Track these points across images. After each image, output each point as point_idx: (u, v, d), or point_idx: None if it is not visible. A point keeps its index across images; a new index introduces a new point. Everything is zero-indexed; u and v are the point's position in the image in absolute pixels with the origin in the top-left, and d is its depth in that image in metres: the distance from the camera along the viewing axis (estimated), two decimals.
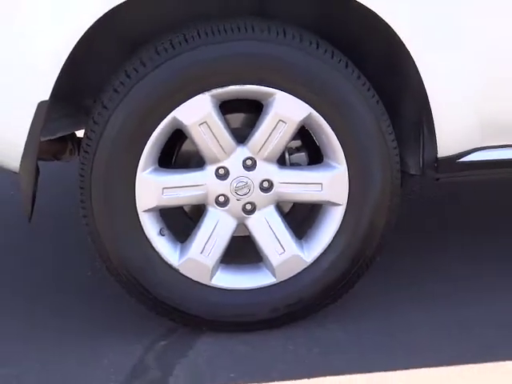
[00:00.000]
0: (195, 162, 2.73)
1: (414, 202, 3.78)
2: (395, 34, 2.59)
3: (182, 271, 2.70)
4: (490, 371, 2.59)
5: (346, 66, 2.64)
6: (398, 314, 2.92)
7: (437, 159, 2.74)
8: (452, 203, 3.86)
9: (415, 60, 2.62)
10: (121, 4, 2.45)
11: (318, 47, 2.61)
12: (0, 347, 2.81)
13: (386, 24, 2.56)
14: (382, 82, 2.77)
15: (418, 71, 2.63)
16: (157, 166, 2.64)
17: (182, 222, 2.83)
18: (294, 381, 2.54)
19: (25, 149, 2.57)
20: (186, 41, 2.55)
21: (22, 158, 2.58)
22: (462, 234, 3.59)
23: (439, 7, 2.64)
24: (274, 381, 2.54)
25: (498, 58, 2.73)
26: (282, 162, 2.74)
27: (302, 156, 2.82)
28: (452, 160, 2.77)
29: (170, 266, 2.70)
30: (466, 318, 2.92)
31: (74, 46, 2.48)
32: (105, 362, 2.67)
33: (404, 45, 2.60)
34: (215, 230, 2.70)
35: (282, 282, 2.76)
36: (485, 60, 2.71)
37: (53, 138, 2.84)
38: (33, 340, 2.83)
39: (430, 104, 2.67)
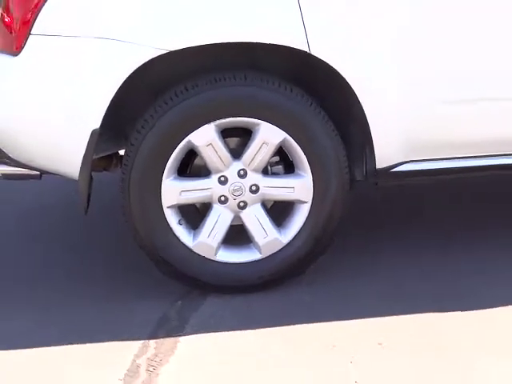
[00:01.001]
0: (203, 172, 2.86)
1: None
2: (349, 84, 2.73)
3: (195, 250, 2.86)
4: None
5: (311, 105, 2.78)
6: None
7: (375, 170, 2.88)
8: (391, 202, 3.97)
9: (362, 103, 2.76)
10: (146, 62, 2.60)
11: (291, 91, 2.75)
12: (75, 303, 2.94)
13: (341, 76, 2.72)
14: (339, 117, 2.90)
15: (364, 112, 2.77)
16: (176, 175, 2.79)
17: (194, 214, 2.96)
18: (279, 327, 2.70)
19: (82, 163, 2.68)
20: (197, 86, 2.70)
21: (80, 170, 2.69)
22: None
23: (375, 63, 2.76)
24: (265, 327, 2.71)
25: (417, 103, 2.87)
26: (265, 171, 2.89)
27: (279, 168, 2.96)
28: (386, 170, 2.90)
29: (186, 247, 2.85)
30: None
31: (115, 91, 2.61)
32: (137, 317, 2.82)
33: (355, 93, 2.75)
34: (218, 221, 2.85)
35: (266, 257, 2.91)
36: (408, 103, 2.85)
37: (102, 155, 2.97)
38: (90, 300, 2.95)
39: (371, 133, 2.81)
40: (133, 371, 2.47)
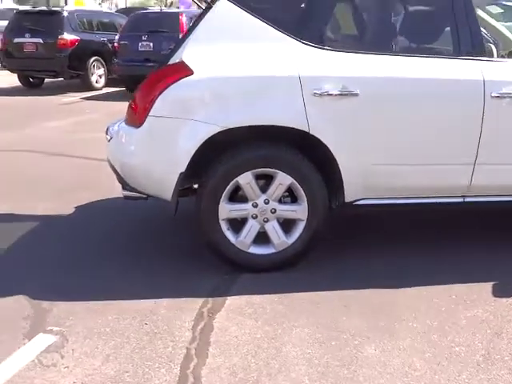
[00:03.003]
0: (244, 199, 2.99)
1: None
2: (330, 151, 2.88)
3: (237, 245, 3.01)
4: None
5: (307, 162, 2.93)
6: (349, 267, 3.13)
7: (344, 202, 3.02)
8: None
9: (338, 162, 2.90)
10: (215, 133, 2.79)
11: (296, 154, 2.92)
12: (141, 280, 3.02)
13: (327, 146, 2.88)
14: (324, 169, 2.98)
15: (338, 166, 2.91)
16: (227, 200, 2.96)
17: (237, 224, 3.06)
18: (285, 293, 2.83)
19: (173, 191, 2.89)
20: (241, 149, 2.92)
21: (172, 195, 2.90)
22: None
23: (345, 140, 2.87)
24: (275, 293, 2.84)
25: (367, 163, 2.95)
26: (279, 201, 3.00)
27: (288, 199, 3.05)
28: (351, 203, 3.03)
29: (232, 243, 3.00)
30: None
31: (195, 150, 2.81)
32: (201, 285, 2.93)
33: (334, 156, 2.89)
34: (251, 229, 3.01)
35: (278, 251, 3.04)
36: (363, 163, 2.93)
37: (185, 186, 3.09)
38: (173, 276, 3.08)
39: (343, 179, 2.93)
40: (199, 315, 2.68)
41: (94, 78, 11.82)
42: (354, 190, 3.03)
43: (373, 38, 3.11)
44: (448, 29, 3.03)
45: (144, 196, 3.14)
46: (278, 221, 3.05)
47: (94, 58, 11.69)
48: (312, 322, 2.61)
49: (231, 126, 2.83)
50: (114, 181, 3.24)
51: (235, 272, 3.08)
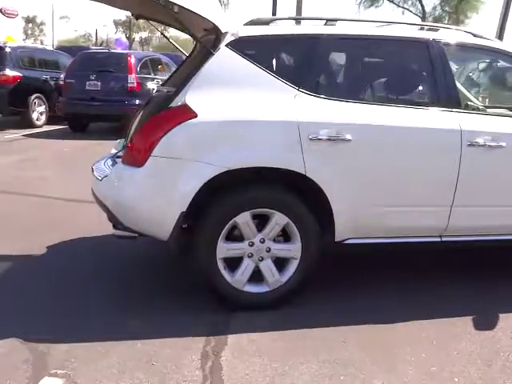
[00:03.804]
0: (240, 238, 3.05)
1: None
2: (324, 193, 3.00)
3: (232, 284, 3.06)
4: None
5: (303, 203, 3.04)
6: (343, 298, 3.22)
7: (334, 241, 3.15)
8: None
9: (331, 203, 3.03)
10: (215, 175, 2.85)
11: (291, 195, 3.03)
12: (143, 311, 3.06)
13: (321, 188, 3.00)
14: (317, 210, 3.07)
15: (330, 207, 3.04)
16: (225, 240, 3.00)
17: (233, 263, 3.08)
18: (292, 330, 2.90)
19: (172, 230, 2.90)
20: (237, 191, 2.99)
21: (171, 234, 2.91)
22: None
23: (337, 185, 3.00)
24: (272, 330, 2.89)
25: (355, 206, 3.08)
26: (274, 240, 3.08)
27: (281, 238, 3.14)
28: (340, 242, 3.16)
29: (228, 282, 3.05)
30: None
31: (197, 190, 2.85)
32: (199, 324, 2.95)
33: (327, 198, 3.02)
34: (246, 268, 3.07)
35: (272, 289, 3.11)
36: (352, 206, 3.06)
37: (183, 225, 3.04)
38: (166, 309, 3.08)
39: (335, 221, 3.06)
40: (205, 354, 2.70)
41: (34, 116, 11.55)
42: (343, 230, 3.16)
43: (363, 89, 3.32)
44: (429, 83, 3.29)
45: (134, 235, 3.14)
46: (271, 259, 3.13)
47: (35, 95, 11.46)
48: (316, 357, 2.69)
49: (233, 168, 2.91)
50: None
51: (230, 310, 3.11)
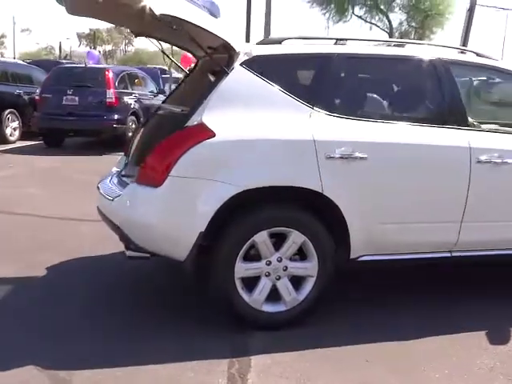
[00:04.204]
0: (257, 257, 3.04)
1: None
2: (341, 211, 3.03)
3: (250, 304, 3.04)
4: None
5: (319, 222, 3.06)
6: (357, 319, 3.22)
7: (349, 258, 3.18)
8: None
9: (347, 220, 3.05)
10: (234, 194, 2.85)
11: (308, 214, 3.05)
12: (160, 339, 2.99)
13: (338, 206, 3.03)
14: (333, 228, 3.11)
15: (346, 224, 3.07)
16: (242, 259, 2.99)
17: (251, 282, 3.07)
18: (312, 349, 2.89)
19: (191, 250, 2.88)
20: (255, 210, 2.99)
21: (188, 254, 2.89)
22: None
23: (352, 203, 3.03)
24: (296, 350, 2.88)
25: (368, 223, 3.12)
26: (291, 258, 3.08)
27: (297, 256, 3.12)
28: (355, 259, 3.19)
29: (246, 302, 3.03)
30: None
31: (216, 210, 2.84)
32: (222, 346, 2.91)
33: (343, 215, 3.05)
34: (264, 287, 3.06)
35: (289, 308, 3.11)
36: (365, 223, 3.09)
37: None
38: (180, 335, 3.04)
39: (350, 237, 3.09)
40: (231, 377, 2.66)
41: (8, 131, 11.26)
42: (357, 247, 3.18)
43: (377, 108, 3.36)
44: (439, 101, 3.38)
45: (147, 255, 3.10)
46: (288, 278, 3.12)
47: (8, 111, 11.20)
48: (343, 377, 2.69)
49: (251, 187, 2.91)
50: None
51: (248, 330, 3.08)
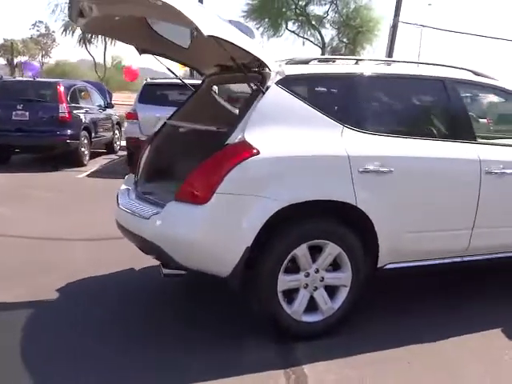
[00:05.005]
0: (296, 270, 3.12)
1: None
2: (371, 222, 3.18)
3: (291, 315, 3.12)
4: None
5: (352, 233, 3.19)
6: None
7: (377, 267, 3.34)
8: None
9: (377, 231, 3.20)
10: (279, 209, 2.94)
11: (342, 227, 3.17)
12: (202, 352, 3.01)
13: (369, 218, 3.17)
14: (364, 239, 3.24)
15: (376, 234, 3.23)
16: (284, 272, 3.06)
17: (291, 294, 3.15)
18: (354, 356, 3.01)
19: (236, 265, 2.93)
20: (296, 224, 3.07)
21: (233, 270, 2.94)
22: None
23: (382, 214, 3.18)
24: (343, 356, 2.99)
25: (394, 232, 3.26)
26: (326, 269, 3.20)
27: (330, 267, 3.22)
28: (381, 267, 3.35)
29: (288, 314, 3.11)
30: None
31: (262, 225, 2.91)
32: (273, 357, 3.00)
33: (374, 226, 3.20)
34: (303, 298, 3.16)
35: (325, 317, 3.23)
36: (392, 232, 3.24)
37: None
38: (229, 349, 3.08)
39: (379, 248, 3.25)
40: None
41: None
42: (385, 256, 3.35)
43: (400, 124, 3.57)
44: (451, 118, 3.64)
45: (183, 273, 3.14)
46: (324, 288, 3.23)
47: None
48: (399, 381, 2.84)
49: (294, 202, 3.00)
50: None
51: (287, 341, 3.16)
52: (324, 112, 3.22)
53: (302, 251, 3.11)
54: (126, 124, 10.51)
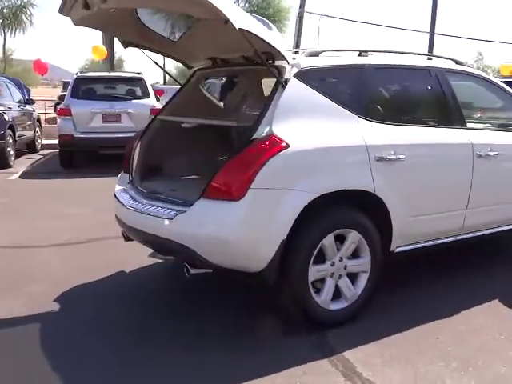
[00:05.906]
0: (323, 260, 3.16)
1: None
2: (387, 208, 3.30)
3: (321, 304, 3.18)
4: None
5: (369, 220, 3.28)
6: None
7: (390, 250, 3.46)
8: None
9: (391, 216, 3.32)
10: (310, 201, 2.97)
11: (363, 215, 3.26)
12: (231, 352, 2.99)
13: (385, 204, 3.29)
14: (380, 225, 3.34)
15: (391, 220, 3.34)
16: (313, 262, 3.09)
17: (319, 285, 3.20)
18: (386, 337, 3.09)
19: (271, 260, 2.93)
20: (323, 215, 3.12)
21: (268, 265, 2.93)
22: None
23: (395, 202, 3.30)
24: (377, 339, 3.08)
25: (405, 216, 3.40)
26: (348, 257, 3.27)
27: (351, 255, 3.29)
28: (393, 250, 3.47)
29: (317, 302, 3.16)
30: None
31: (296, 217, 2.93)
32: (307, 347, 3.02)
33: (389, 212, 3.31)
34: (329, 287, 3.22)
35: (349, 304, 3.30)
36: (402, 216, 3.36)
37: None
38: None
39: (393, 232, 3.37)
40: (345, 374, 2.76)
41: None
42: (396, 240, 3.48)
43: (408, 113, 3.72)
44: (446, 105, 3.82)
45: (209, 271, 3.09)
46: (347, 275, 3.32)
47: None
48: (438, 355, 2.95)
49: (324, 192, 3.04)
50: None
51: (316, 329, 3.21)
52: (340, 103, 3.28)
53: (329, 241, 3.16)
54: (58, 121, 9.94)
